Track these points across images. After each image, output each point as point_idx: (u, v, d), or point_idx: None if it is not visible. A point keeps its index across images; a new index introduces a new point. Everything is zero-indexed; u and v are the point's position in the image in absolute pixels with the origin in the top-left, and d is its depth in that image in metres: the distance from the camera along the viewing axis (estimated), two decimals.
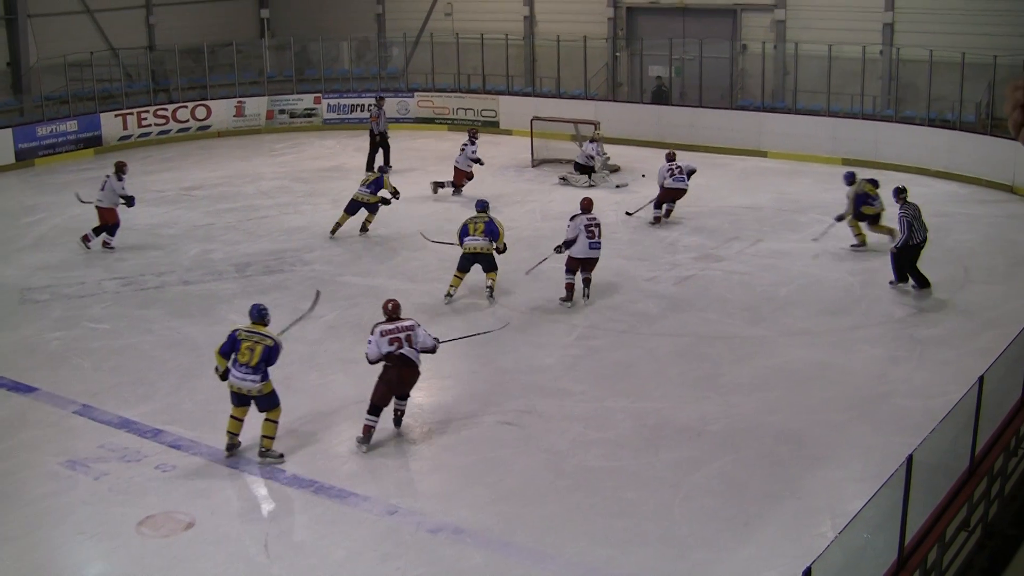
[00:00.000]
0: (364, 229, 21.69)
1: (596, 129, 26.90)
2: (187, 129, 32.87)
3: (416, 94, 34.05)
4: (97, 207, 21.00)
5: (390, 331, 12.58)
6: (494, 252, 17.70)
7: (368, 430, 12.66)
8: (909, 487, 8.20)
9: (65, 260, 20.60)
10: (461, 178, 25.00)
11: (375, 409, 12.65)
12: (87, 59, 32.21)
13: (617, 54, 32.69)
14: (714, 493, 11.56)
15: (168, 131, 32.52)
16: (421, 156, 29.30)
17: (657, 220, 22.04)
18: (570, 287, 17.50)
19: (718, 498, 11.45)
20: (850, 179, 19.74)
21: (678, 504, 11.29)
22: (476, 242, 17.61)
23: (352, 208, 21.39)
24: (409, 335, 12.62)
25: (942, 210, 22.29)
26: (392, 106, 33.14)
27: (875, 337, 15.93)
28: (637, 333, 16.18)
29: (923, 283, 17.55)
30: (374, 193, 21.33)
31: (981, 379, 9.51)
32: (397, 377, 12.67)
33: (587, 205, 17.84)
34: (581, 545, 10.59)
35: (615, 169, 26.73)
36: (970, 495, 9.43)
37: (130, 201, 20.95)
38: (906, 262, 17.61)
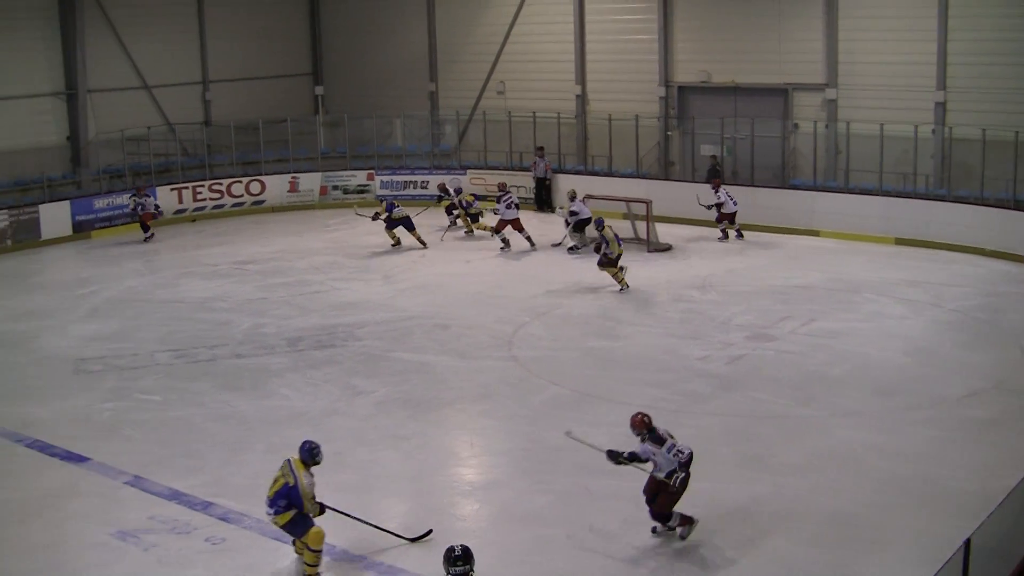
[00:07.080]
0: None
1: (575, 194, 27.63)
2: (241, 204, 33.29)
3: (468, 171, 34.26)
4: None
5: None
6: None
7: None
8: (967, 572, 8.06)
9: (118, 332, 20.84)
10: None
11: None
12: (144, 134, 32.85)
13: (669, 133, 32.73)
14: (767, 575, 11.41)
15: (222, 205, 32.96)
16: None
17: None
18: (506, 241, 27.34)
19: None
20: None
21: None
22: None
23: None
24: None
25: (996, 290, 22.17)
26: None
27: (928, 419, 15.67)
28: (688, 412, 16.05)
29: None
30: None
31: None
32: None
33: (502, 185, 28.86)
34: None
35: (667, 247, 26.77)
36: None
37: None
38: None
